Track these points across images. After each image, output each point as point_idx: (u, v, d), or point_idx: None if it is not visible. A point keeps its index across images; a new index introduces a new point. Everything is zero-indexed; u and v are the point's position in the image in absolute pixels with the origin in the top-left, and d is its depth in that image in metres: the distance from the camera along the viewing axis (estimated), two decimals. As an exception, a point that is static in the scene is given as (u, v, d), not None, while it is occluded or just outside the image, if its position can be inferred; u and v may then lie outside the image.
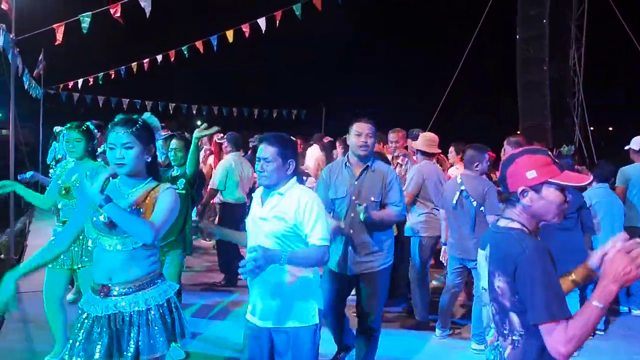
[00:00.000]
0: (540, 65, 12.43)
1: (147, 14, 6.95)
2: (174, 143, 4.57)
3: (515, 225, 1.88)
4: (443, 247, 4.97)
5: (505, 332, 1.84)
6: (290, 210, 2.68)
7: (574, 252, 4.92)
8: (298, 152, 2.95)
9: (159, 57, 11.27)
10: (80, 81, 13.89)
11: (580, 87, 12.98)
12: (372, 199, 3.80)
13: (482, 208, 4.51)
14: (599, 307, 1.65)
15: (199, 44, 10.26)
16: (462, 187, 4.57)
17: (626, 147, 6.16)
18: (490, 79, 24.47)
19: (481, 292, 2.04)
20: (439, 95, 14.39)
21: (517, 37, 13.00)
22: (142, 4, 6.94)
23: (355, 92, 29.46)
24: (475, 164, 4.63)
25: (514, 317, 1.81)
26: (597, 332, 5.14)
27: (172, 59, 10.94)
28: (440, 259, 5.06)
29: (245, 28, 9.43)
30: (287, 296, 2.71)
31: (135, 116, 2.58)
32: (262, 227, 2.74)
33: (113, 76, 12.98)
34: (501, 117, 18.54)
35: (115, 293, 2.47)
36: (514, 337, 1.81)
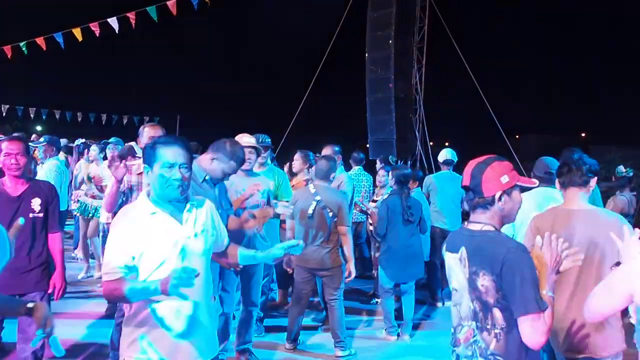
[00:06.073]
0: (387, 84, 13.44)
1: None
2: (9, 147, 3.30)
3: (490, 228, 2.02)
4: (288, 257, 4.70)
5: (488, 327, 1.99)
6: (208, 221, 2.38)
7: (420, 255, 5.35)
8: None
9: (-9, 52, 10.14)
10: None
11: (421, 104, 14.23)
12: (228, 207, 3.90)
13: (335, 219, 4.50)
14: (552, 295, 1.94)
15: (40, 41, 9.44)
16: (318, 198, 4.52)
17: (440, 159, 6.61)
18: (342, 95, 25.82)
19: (452, 292, 2.16)
20: (292, 110, 14.87)
21: (366, 56, 13.93)
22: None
23: (208, 101, 29.12)
24: (332, 175, 4.73)
25: (497, 313, 1.96)
26: None
27: (10, 55, 9.89)
28: (285, 267, 4.87)
29: (95, 27, 8.89)
30: (211, 324, 2.37)
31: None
32: (192, 247, 2.27)
33: None
34: (351, 132, 19.61)
35: None
36: (496, 331, 1.97)
